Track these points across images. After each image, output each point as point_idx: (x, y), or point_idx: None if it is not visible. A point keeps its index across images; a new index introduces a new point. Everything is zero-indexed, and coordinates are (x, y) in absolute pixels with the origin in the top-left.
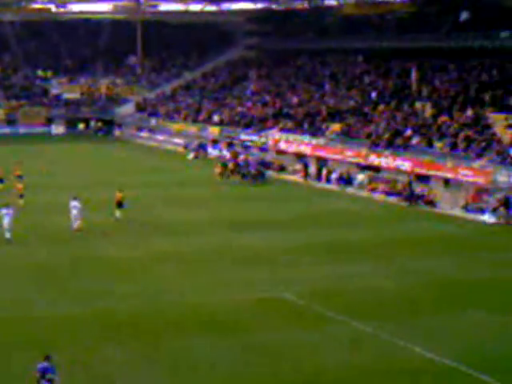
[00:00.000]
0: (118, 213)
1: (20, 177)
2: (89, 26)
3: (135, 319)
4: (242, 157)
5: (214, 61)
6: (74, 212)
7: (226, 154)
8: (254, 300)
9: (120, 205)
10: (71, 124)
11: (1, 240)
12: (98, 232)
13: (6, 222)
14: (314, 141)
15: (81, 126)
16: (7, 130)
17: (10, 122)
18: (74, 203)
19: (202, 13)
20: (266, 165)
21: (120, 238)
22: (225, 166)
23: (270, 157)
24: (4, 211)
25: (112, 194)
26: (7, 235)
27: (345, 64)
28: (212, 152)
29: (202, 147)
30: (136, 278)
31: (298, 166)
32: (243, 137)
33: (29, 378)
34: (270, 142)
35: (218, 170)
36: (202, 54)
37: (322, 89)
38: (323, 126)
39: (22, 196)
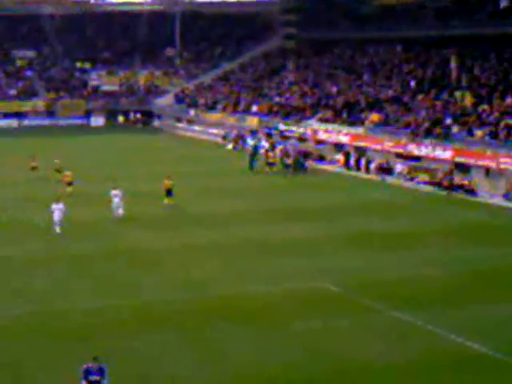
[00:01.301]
0: (167, 200)
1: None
2: (127, 18)
3: (173, 310)
4: (279, 147)
5: (251, 51)
6: (116, 200)
7: (265, 144)
8: (293, 289)
9: (169, 192)
10: (110, 115)
11: (40, 231)
12: (135, 222)
13: (56, 217)
14: (353, 130)
15: (120, 118)
16: (47, 122)
17: (50, 113)
18: (115, 192)
19: (239, 3)
20: (305, 155)
21: (157, 228)
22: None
23: (309, 147)
24: (54, 206)
25: (150, 185)
26: (57, 230)
27: (383, 53)
28: (250, 143)
29: (240, 138)
30: (172, 269)
31: (338, 156)
32: (282, 127)
33: (66, 370)
34: (309, 132)
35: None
36: (240, 45)
37: (361, 78)
38: (362, 116)
39: (70, 184)
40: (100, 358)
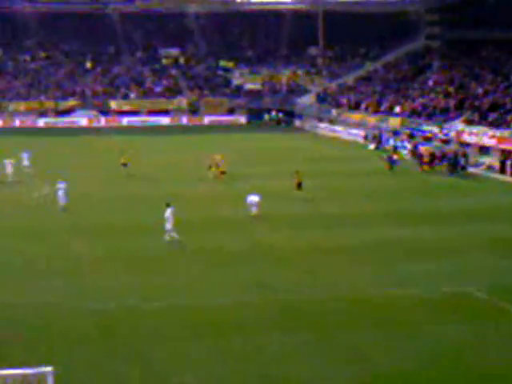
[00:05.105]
0: (299, 192)
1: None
2: (270, 17)
3: (310, 310)
4: (423, 148)
5: (395, 51)
6: (255, 200)
7: (407, 145)
8: (435, 294)
9: (299, 185)
10: (252, 114)
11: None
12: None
13: (168, 224)
14: (499, 133)
15: (266, 116)
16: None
17: (193, 111)
18: (252, 196)
19: (383, 2)
20: (464, 155)
21: (291, 227)
22: (389, 158)
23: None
24: (167, 211)
25: (286, 184)
26: (166, 238)
27: None
28: (392, 143)
29: (381, 138)
30: (299, 269)
31: (486, 159)
32: (425, 128)
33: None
34: (453, 134)
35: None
36: (384, 45)
37: (508, 80)
38: (509, 118)
39: (223, 172)
40: None
